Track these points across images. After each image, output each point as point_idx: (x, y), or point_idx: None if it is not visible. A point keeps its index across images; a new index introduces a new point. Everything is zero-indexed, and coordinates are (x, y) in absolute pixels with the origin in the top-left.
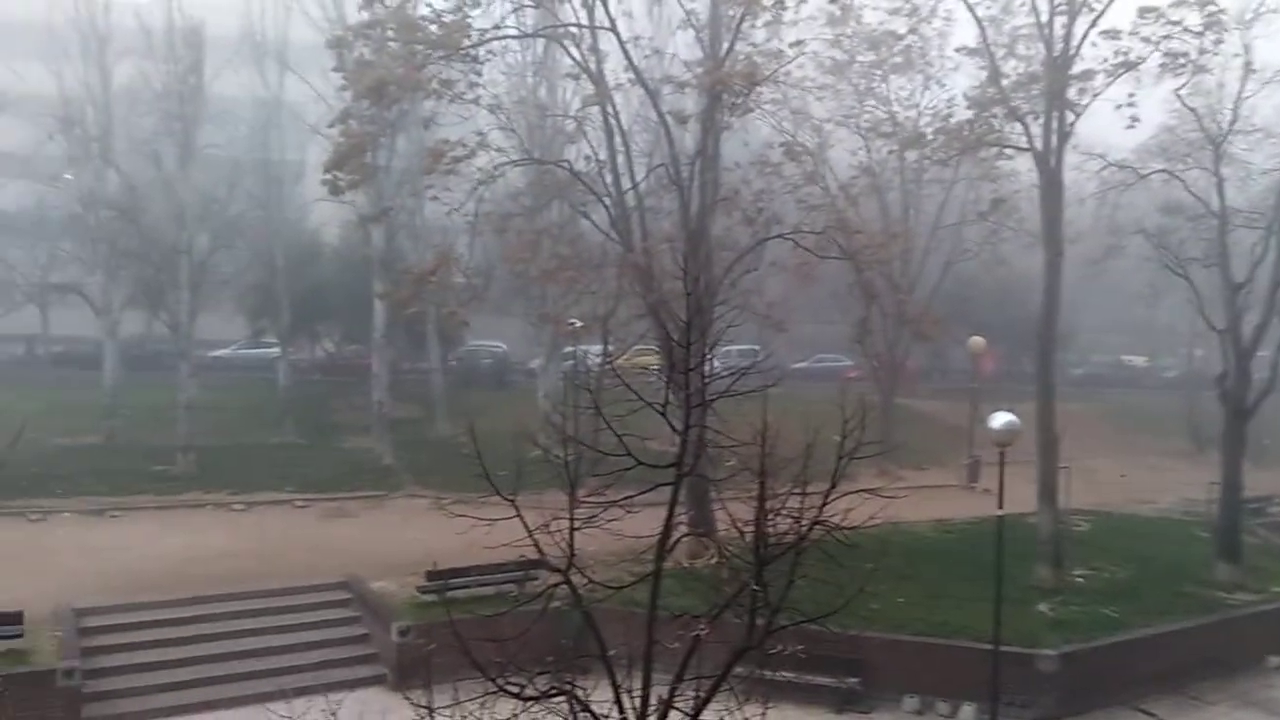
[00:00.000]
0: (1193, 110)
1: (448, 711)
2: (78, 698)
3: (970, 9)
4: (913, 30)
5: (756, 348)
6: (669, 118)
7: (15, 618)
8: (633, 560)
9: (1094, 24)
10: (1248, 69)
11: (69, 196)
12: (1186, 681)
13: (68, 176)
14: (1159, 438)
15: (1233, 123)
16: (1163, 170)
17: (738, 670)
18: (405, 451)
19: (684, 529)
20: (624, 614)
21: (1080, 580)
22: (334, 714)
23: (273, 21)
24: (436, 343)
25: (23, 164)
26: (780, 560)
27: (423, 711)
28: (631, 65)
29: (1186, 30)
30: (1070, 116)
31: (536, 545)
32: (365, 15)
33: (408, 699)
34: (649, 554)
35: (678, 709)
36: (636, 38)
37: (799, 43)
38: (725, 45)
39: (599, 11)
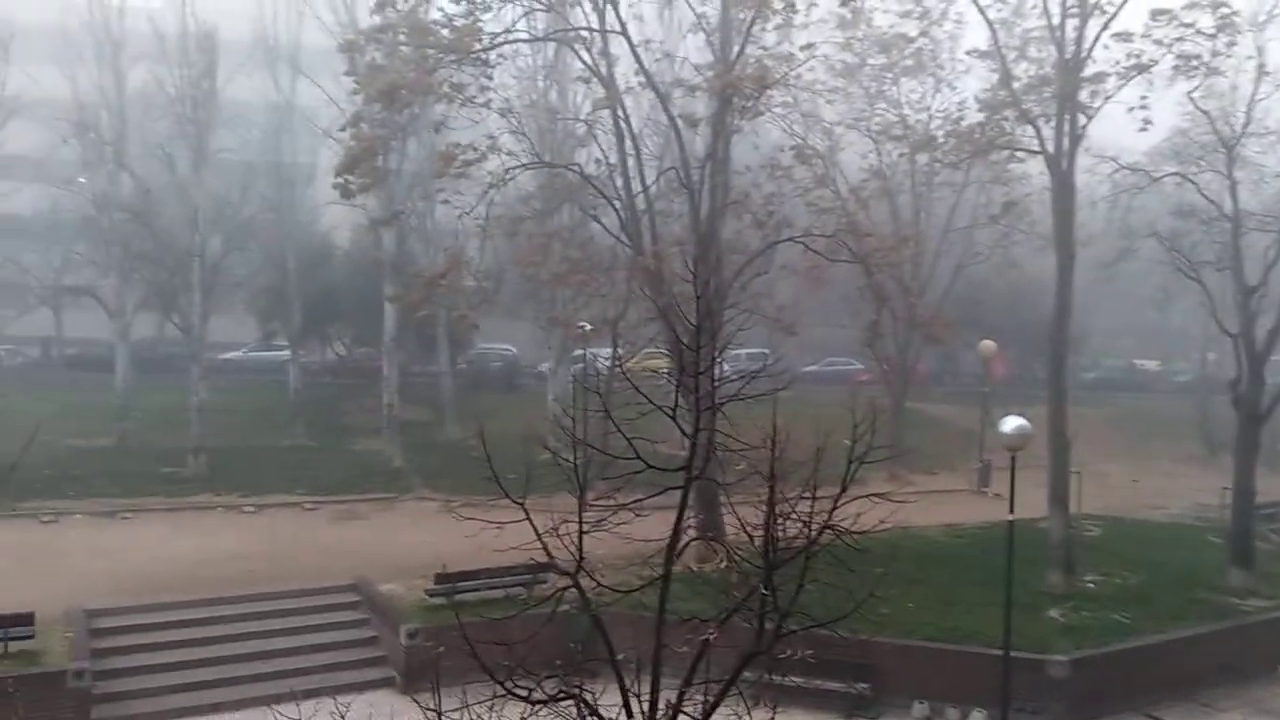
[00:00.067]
0: (1205, 113)
1: (456, 714)
2: (88, 699)
3: (981, 12)
4: (924, 33)
5: (766, 351)
6: (679, 121)
7: (27, 619)
8: (642, 564)
9: (1106, 26)
10: (1261, 71)
11: (83, 200)
12: (1199, 688)
13: (82, 180)
14: (1171, 442)
15: (1246, 125)
16: (1175, 173)
17: (746, 675)
18: (415, 454)
19: (693, 533)
20: (633, 618)
21: (1091, 586)
22: (342, 716)
23: (285, 26)
24: (447, 346)
25: (37, 168)
26: (790, 565)
27: (431, 714)
28: (642, 69)
29: (1199, 32)
30: (1082, 119)
31: (545, 548)
32: (377, 19)
33: (416, 702)
34: (658, 558)
35: (686, 714)
36: (647, 41)
37: (809, 46)
38: (736, 49)
39: (610, 15)
